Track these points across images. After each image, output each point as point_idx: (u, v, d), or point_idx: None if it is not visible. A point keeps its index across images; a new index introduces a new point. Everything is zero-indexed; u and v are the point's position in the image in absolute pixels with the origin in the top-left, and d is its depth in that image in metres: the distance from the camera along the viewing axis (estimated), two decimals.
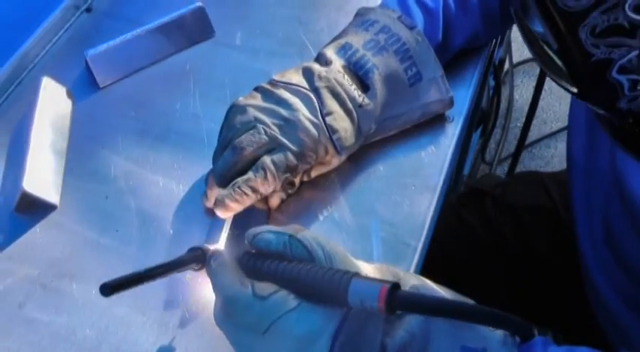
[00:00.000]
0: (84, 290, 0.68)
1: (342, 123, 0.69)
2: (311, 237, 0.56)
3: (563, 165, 0.85)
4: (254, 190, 0.66)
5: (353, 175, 0.74)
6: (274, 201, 0.70)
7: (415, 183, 0.73)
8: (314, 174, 0.71)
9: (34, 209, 0.73)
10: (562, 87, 0.53)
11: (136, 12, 0.90)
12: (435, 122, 0.77)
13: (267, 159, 0.67)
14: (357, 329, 0.54)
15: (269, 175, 0.66)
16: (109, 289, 0.53)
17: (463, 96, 0.79)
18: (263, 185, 0.67)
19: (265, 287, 0.54)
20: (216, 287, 0.56)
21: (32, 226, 0.73)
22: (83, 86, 0.82)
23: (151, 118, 0.80)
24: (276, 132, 0.68)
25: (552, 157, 1.78)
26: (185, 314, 0.66)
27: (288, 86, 0.70)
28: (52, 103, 0.78)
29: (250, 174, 0.66)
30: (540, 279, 0.95)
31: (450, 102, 0.76)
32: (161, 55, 0.84)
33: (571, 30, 0.47)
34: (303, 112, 0.68)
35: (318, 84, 0.70)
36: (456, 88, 0.78)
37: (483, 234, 0.99)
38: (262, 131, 0.67)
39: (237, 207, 0.67)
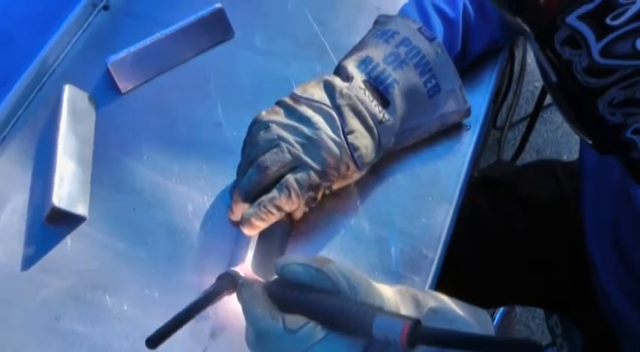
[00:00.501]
0: (117, 302, 0.71)
1: (363, 141, 0.71)
2: (336, 269, 0.59)
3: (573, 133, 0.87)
4: (279, 209, 0.69)
5: (372, 186, 0.76)
6: (297, 214, 0.73)
7: (432, 194, 0.75)
8: (335, 187, 0.73)
9: (63, 220, 0.75)
10: (579, 135, 0.55)
11: (153, 9, 0.90)
12: (451, 130, 0.78)
13: (291, 178, 0.69)
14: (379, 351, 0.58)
15: (293, 194, 0.69)
16: (154, 342, 0.56)
17: (480, 103, 0.80)
18: (287, 203, 0.69)
19: (295, 321, 0.57)
20: (248, 319, 0.59)
21: (63, 238, 0.75)
22: (104, 91, 0.83)
23: (174, 125, 0.81)
24: (299, 151, 0.69)
25: (562, 123, 1.79)
26: (216, 324, 0.69)
27: (310, 103, 0.71)
28: (76, 111, 0.79)
29: (275, 193, 0.69)
30: (548, 270, 0.98)
31: (467, 112, 0.77)
32: (181, 58, 0.84)
33: (589, 101, 0.50)
34: (326, 131, 0.70)
35: (340, 102, 0.71)
36: (472, 94, 0.80)
37: (494, 221, 1.01)
38: (286, 150, 0.69)
39: (262, 225, 0.69)
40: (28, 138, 0.81)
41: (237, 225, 0.73)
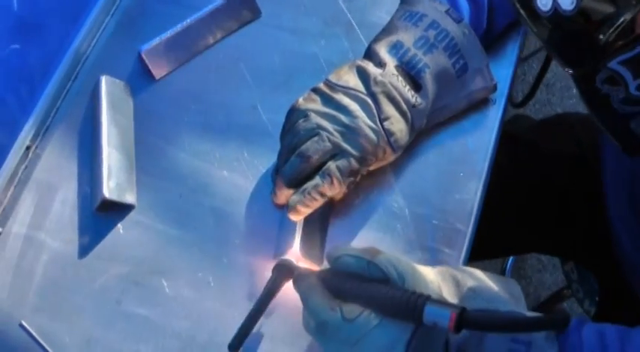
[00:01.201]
0: (174, 285, 0.76)
1: (398, 126, 0.75)
2: (386, 259, 0.64)
3: None
4: (322, 195, 0.73)
5: (405, 165, 0.80)
6: (337, 196, 0.77)
7: (463, 169, 0.80)
8: (372, 168, 0.77)
9: (113, 210, 0.79)
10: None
11: None
12: (478, 105, 0.82)
13: (332, 166, 0.73)
14: (425, 333, 0.64)
15: (335, 181, 0.73)
16: (235, 347, 0.62)
17: (504, 76, 0.83)
18: (330, 189, 0.73)
19: (351, 310, 0.63)
20: (308, 310, 0.64)
21: (114, 225, 0.79)
22: (138, 78, 0.85)
23: (211, 111, 0.84)
24: (338, 139, 0.73)
25: None
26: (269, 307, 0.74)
27: (346, 91, 0.74)
28: (115, 102, 0.82)
29: (318, 180, 0.73)
30: (566, 221, 1.04)
31: (494, 88, 0.80)
32: (211, 42, 0.86)
33: (623, 122, 0.59)
34: (363, 119, 0.73)
35: (375, 89, 0.74)
36: (496, 67, 0.82)
37: (513, 175, 1.06)
38: (326, 139, 0.73)
39: (308, 211, 0.73)
40: (69, 128, 0.84)
41: (280, 207, 0.77)
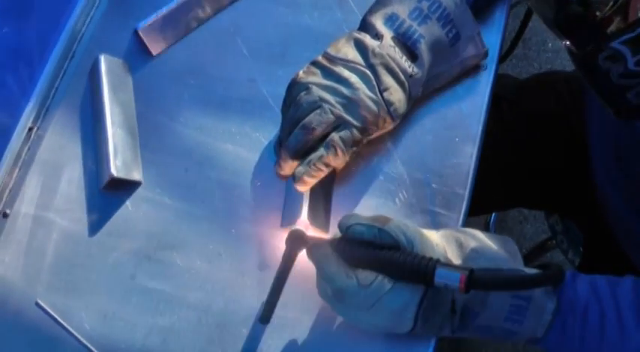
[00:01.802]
0: (185, 258, 0.78)
1: (397, 95, 0.77)
2: (395, 226, 0.68)
3: None
4: (327, 165, 0.76)
5: (403, 132, 0.83)
6: (340, 165, 0.80)
7: (458, 134, 0.83)
8: (372, 137, 0.80)
9: (120, 187, 0.81)
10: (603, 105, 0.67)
11: None
12: (469, 71, 0.85)
13: (336, 137, 0.75)
14: (434, 294, 0.68)
15: (339, 151, 0.75)
16: (265, 318, 0.68)
17: (494, 42, 0.86)
18: (334, 159, 0.76)
19: (366, 276, 0.66)
20: (324, 278, 0.68)
21: (123, 203, 0.81)
22: (135, 55, 0.86)
23: (210, 85, 0.85)
24: (340, 110, 0.75)
25: None
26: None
27: (346, 64, 0.76)
28: (115, 80, 0.83)
29: (322, 151, 0.75)
30: (551, 178, 1.08)
31: (485, 55, 0.83)
32: (207, 16, 0.87)
33: (619, 93, 0.65)
34: (364, 91, 0.75)
35: (374, 61, 0.76)
36: (485, 35, 0.84)
37: (499, 134, 1.09)
38: (328, 111, 0.75)
39: (313, 181, 0.76)
40: (69, 108, 0.85)
41: (284, 178, 0.80)
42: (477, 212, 1.07)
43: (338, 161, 0.76)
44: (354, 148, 0.77)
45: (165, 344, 0.75)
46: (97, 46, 0.86)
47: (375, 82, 0.76)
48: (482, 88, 0.84)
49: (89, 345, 0.75)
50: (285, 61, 0.82)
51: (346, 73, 0.76)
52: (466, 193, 0.80)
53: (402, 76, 0.77)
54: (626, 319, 0.70)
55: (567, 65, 1.89)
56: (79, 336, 0.76)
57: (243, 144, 0.83)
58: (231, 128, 0.83)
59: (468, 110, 0.84)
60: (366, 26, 0.79)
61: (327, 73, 0.77)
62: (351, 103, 0.75)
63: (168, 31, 0.85)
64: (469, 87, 0.85)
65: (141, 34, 0.84)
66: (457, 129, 0.83)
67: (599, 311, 0.70)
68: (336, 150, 0.75)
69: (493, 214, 1.43)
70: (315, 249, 0.69)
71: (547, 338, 0.71)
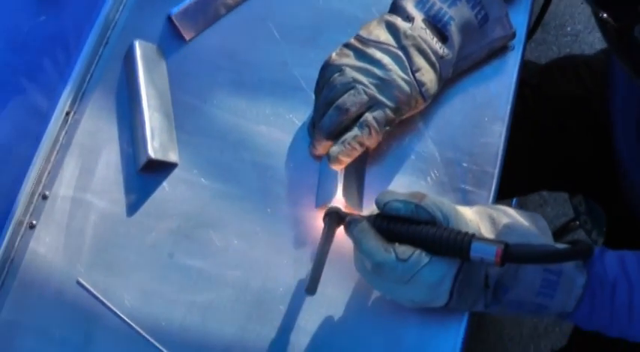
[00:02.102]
0: (222, 237, 0.80)
1: (428, 76, 0.79)
2: (431, 202, 0.69)
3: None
4: (361, 144, 0.77)
5: (433, 112, 0.84)
6: (373, 145, 0.81)
7: (487, 114, 0.84)
8: (404, 117, 0.82)
9: (157, 169, 0.83)
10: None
11: None
12: (498, 51, 0.86)
13: (369, 117, 0.77)
14: (469, 268, 0.69)
15: (373, 131, 0.77)
16: (312, 289, 0.70)
17: (521, 23, 0.87)
18: (369, 139, 0.77)
19: (404, 251, 0.68)
20: (364, 253, 0.69)
21: (160, 184, 0.83)
22: (169, 41, 0.88)
23: (242, 69, 0.87)
24: (374, 91, 0.77)
25: None
26: (314, 249, 0.79)
27: (378, 45, 0.78)
28: (150, 65, 0.85)
29: (357, 131, 0.77)
30: (575, 160, 1.09)
31: (513, 36, 0.84)
32: (237, 1, 0.89)
33: None
34: (396, 72, 0.77)
35: (405, 42, 0.78)
36: (512, 15, 0.86)
37: (522, 119, 1.10)
38: (362, 92, 0.77)
39: (348, 160, 0.78)
40: (104, 93, 0.87)
41: (318, 158, 0.81)
42: (502, 196, 1.09)
43: (372, 140, 0.78)
44: (387, 128, 0.78)
45: (205, 321, 0.77)
46: (131, 33, 0.88)
47: (407, 63, 0.78)
48: (509, 68, 0.86)
49: (130, 322, 0.77)
50: (317, 44, 0.84)
51: (379, 55, 0.78)
52: (496, 171, 0.82)
53: (433, 57, 0.79)
54: None
55: (586, 49, 1.90)
56: (120, 313, 0.78)
57: (277, 125, 0.84)
58: (265, 110, 0.85)
59: (496, 90, 0.85)
60: (396, 9, 0.81)
61: (360, 55, 0.78)
62: (384, 84, 0.77)
63: (200, 16, 0.87)
64: (497, 68, 0.86)
65: (174, 19, 0.86)
66: (486, 109, 0.84)
67: (628, 286, 0.71)
68: (370, 129, 0.77)
69: (515, 198, 1.45)
70: (353, 224, 0.71)
71: (576, 312, 0.72)
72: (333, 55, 0.79)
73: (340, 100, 0.77)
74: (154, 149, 0.80)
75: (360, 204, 0.79)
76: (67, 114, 0.85)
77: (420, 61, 0.78)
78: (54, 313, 0.78)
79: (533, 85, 1.10)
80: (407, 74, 0.78)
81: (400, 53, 0.78)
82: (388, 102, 0.77)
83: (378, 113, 0.77)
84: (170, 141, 0.83)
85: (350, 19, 0.88)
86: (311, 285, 0.70)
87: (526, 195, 1.67)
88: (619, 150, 1.00)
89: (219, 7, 0.88)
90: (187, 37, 0.87)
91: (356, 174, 0.80)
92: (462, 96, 0.85)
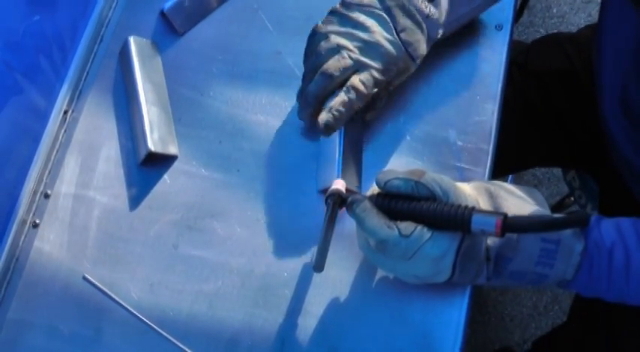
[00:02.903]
0: (225, 226, 0.81)
1: (414, 36, 0.80)
2: (431, 179, 0.71)
3: None
4: (349, 108, 0.78)
5: (426, 93, 0.86)
6: (370, 117, 0.82)
7: (479, 93, 0.86)
8: (396, 83, 0.82)
9: (158, 162, 0.84)
10: None
11: None
12: (487, 31, 0.87)
13: (355, 80, 0.78)
14: (470, 241, 0.71)
15: (360, 93, 0.77)
16: (319, 267, 0.71)
17: (508, 3, 0.89)
18: (357, 102, 0.78)
19: (406, 227, 0.69)
20: (367, 231, 0.71)
21: (160, 176, 0.84)
22: (163, 36, 0.89)
23: (237, 60, 0.88)
24: (358, 54, 0.78)
25: None
26: (317, 233, 0.80)
27: (361, 8, 0.79)
28: (145, 60, 0.86)
29: (343, 96, 0.77)
30: (565, 135, 1.11)
31: None
32: None
33: None
34: (381, 33, 0.78)
35: (389, 3, 0.79)
36: None
37: (511, 99, 1.12)
38: (346, 56, 0.78)
39: (338, 126, 0.78)
40: (101, 90, 0.88)
41: (313, 135, 0.83)
42: (497, 173, 1.10)
43: (360, 103, 0.78)
44: (375, 89, 0.79)
45: (212, 309, 0.78)
46: (125, 29, 0.89)
47: (391, 24, 0.79)
48: (499, 47, 0.88)
49: (138, 314, 0.78)
50: (308, 32, 0.85)
51: (362, 18, 0.79)
52: (490, 148, 0.83)
53: (418, 17, 0.80)
54: None
55: (573, 29, 1.91)
56: (127, 306, 0.79)
57: (273, 114, 0.86)
58: (261, 99, 0.86)
59: (486, 70, 0.87)
60: None
61: (345, 20, 0.80)
62: (368, 46, 0.78)
63: (193, 10, 0.88)
64: (487, 47, 0.88)
65: (167, 14, 0.87)
66: (478, 88, 0.86)
67: (624, 249, 0.73)
68: (357, 92, 0.77)
69: (510, 177, 1.46)
70: (355, 204, 0.72)
71: (576, 279, 0.74)
72: (319, 23, 0.81)
73: (325, 66, 0.78)
74: (153, 142, 0.81)
75: (359, 184, 0.81)
76: (65, 112, 0.86)
77: (404, 20, 0.79)
78: (62, 310, 0.79)
79: (519, 63, 1.11)
80: (391, 34, 0.79)
81: (384, 14, 0.79)
82: (374, 64, 0.78)
83: (364, 75, 0.78)
84: (169, 134, 0.84)
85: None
86: (318, 263, 0.71)
87: (520, 171, 1.69)
88: (606, 122, 1.01)
89: (210, 0, 0.89)
90: (181, 31, 0.89)
91: (353, 157, 0.82)
92: (453, 77, 0.86)
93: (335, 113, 0.77)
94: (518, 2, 1.04)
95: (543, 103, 1.11)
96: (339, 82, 0.79)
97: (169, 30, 0.89)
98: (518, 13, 1.23)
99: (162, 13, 0.88)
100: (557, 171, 1.74)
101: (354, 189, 0.79)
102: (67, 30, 0.86)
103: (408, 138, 0.84)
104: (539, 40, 1.18)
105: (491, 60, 0.87)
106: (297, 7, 0.90)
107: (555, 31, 1.92)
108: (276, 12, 0.90)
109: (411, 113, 0.85)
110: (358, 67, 0.78)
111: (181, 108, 0.86)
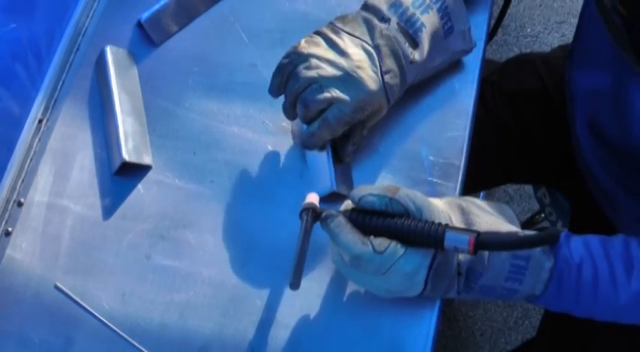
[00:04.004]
0: (198, 236, 0.82)
1: (395, 80, 0.80)
2: (405, 195, 0.72)
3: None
4: (319, 139, 0.79)
5: (400, 109, 0.87)
6: (347, 153, 0.83)
7: (452, 108, 0.87)
8: (370, 123, 0.82)
9: (132, 171, 0.84)
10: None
11: None
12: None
13: (329, 115, 0.77)
14: (442, 257, 0.72)
15: (331, 130, 0.78)
16: (296, 284, 0.72)
17: (481, 21, 0.91)
18: (329, 135, 0.79)
19: (380, 243, 0.70)
20: (340, 246, 0.72)
21: (134, 186, 0.84)
22: (139, 46, 0.90)
23: (213, 72, 0.89)
24: (336, 88, 0.77)
25: None
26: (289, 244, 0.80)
27: (352, 38, 0.79)
28: (121, 69, 0.86)
29: (315, 128, 0.78)
30: (537, 154, 1.13)
31: (471, 50, 0.87)
32: (206, 5, 0.91)
33: None
34: (366, 70, 0.78)
35: (380, 41, 0.79)
36: (472, 14, 0.89)
37: (483, 116, 1.14)
38: (324, 89, 0.77)
39: (318, 145, 0.80)
40: (76, 99, 0.88)
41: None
42: (469, 190, 1.12)
43: (331, 136, 0.79)
44: (346, 127, 0.79)
45: (183, 319, 0.78)
46: (101, 39, 0.89)
47: (378, 63, 0.78)
48: (472, 63, 0.89)
49: (109, 324, 0.78)
50: (284, 46, 0.85)
51: (351, 48, 0.78)
52: (462, 164, 0.85)
53: (403, 61, 0.80)
54: (618, 273, 0.74)
55: (546, 49, 1.95)
56: (99, 316, 0.78)
57: (248, 126, 0.86)
58: (237, 111, 0.87)
59: (459, 86, 0.88)
60: (370, 9, 0.81)
61: (331, 44, 0.78)
62: (350, 79, 0.77)
63: (170, 21, 0.89)
64: (460, 65, 0.89)
65: (144, 25, 0.88)
66: (450, 104, 0.87)
67: (592, 265, 0.75)
68: (328, 128, 0.78)
69: (481, 193, 1.48)
70: (329, 219, 0.73)
71: (545, 295, 0.75)
72: (303, 41, 0.79)
73: (302, 95, 0.78)
74: (128, 152, 0.82)
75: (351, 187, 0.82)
76: (40, 121, 0.86)
77: (390, 62, 0.79)
78: (33, 318, 0.79)
79: (492, 82, 1.14)
80: (376, 73, 0.78)
81: (373, 51, 0.78)
82: (350, 101, 0.77)
83: (337, 113, 0.77)
84: (143, 144, 0.84)
85: (315, 21, 0.89)
86: (294, 280, 0.71)
87: (491, 188, 1.72)
88: (577, 142, 1.04)
89: (188, 11, 0.90)
90: (157, 41, 0.89)
91: (342, 164, 0.83)
92: (426, 93, 0.88)
93: (311, 139, 0.79)
94: (492, 21, 1.05)
95: (515, 122, 1.13)
96: (316, 112, 0.78)
97: (146, 40, 0.90)
98: (492, 32, 1.24)
99: (139, 24, 0.89)
100: (529, 188, 1.76)
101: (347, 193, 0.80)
102: (44, 38, 0.86)
103: (381, 152, 0.85)
104: (512, 59, 1.20)
105: (464, 77, 0.89)
106: (273, 20, 0.91)
107: (529, 50, 1.96)
108: (253, 25, 0.91)
109: (384, 128, 0.86)
110: (334, 101, 0.77)
111: (156, 118, 0.87)
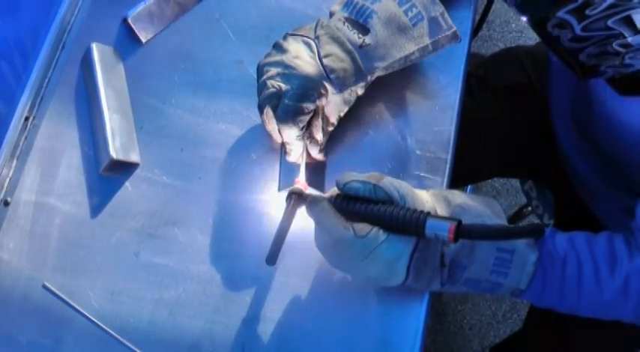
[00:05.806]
0: (187, 233, 0.82)
1: (340, 64, 0.80)
2: (389, 183, 0.72)
3: None
4: (276, 133, 0.81)
5: (387, 104, 0.87)
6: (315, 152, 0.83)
7: (438, 103, 0.87)
8: (332, 117, 0.83)
9: (119, 169, 0.84)
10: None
11: None
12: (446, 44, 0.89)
13: (278, 111, 0.79)
14: (425, 246, 0.72)
15: (281, 120, 0.79)
16: (272, 260, 0.72)
17: (465, 17, 0.91)
18: (284, 131, 0.80)
19: (362, 228, 0.71)
20: (324, 230, 0.72)
21: (122, 184, 0.84)
22: (125, 43, 0.90)
23: (199, 69, 0.89)
24: (279, 81, 0.79)
25: None
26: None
27: (295, 37, 0.81)
28: (107, 67, 0.86)
29: (274, 124, 0.80)
30: (522, 146, 1.14)
31: (454, 35, 0.85)
32: (192, 3, 0.90)
33: (574, 55, 0.74)
34: (303, 58, 0.79)
35: (320, 32, 0.81)
36: (457, 10, 0.90)
37: (471, 111, 1.14)
38: (270, 86, 0.79)
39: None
40: (62, 97, 0.88)
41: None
42: (456, 184, 1.13)
43: (289, 131, 0.80)
44: (300, 117, 0.79)
45: (173, 317, 0.78)
46: (87, 36, 0.89)
47: (316, 49, 0.80)
48: (458, 59, 0.90)
49: (98, 322, 0.78)
50: (270, 42, 0.85)
51: (293, 45, 0.81)
52: (449, 157, 0.85)
53: (348, 45, 0.80)
54: (601, 269, 0.75)
55: (531, 44, 1.96)
56: (87, 314, 0.78)
57: (235, 122, 0.86)
58: (223, 108, 0.87)
59: (445, 81, 0.88)
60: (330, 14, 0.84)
61: (279, 49, 0.81)
62: (289, 70, 0.79)
63: (156, 18, 0.89)
64: (445, 59, 0.89)
65: (130, 22, 0.87)
66: (436, 99, 0.88)
67: (577, 262, 0.75)
68: (281, 122, 0.79)
69: (469, 188, 1.49)
70: (314, 204, 0.73)
71: (529, 289, 0.76)
72: (263, 57, 0.82)
73: (259, 101, 0.80)
74: (115, 150, 0.81)
75: (323, 186, 0.82)
76: (27, 119, 0.86)
77: (330, 47, 0.80)
78: (21, 318, 0.79)
79: (478, 76, 1.14)
80: (313, 58, 0.80)
81: (312, 42, 0.81)
82: (292, 90, 0.78)
83: (285, 105, 0.78)
84: (131, 142, 0.84)
85: (301, 17, 0.90)
86: (270, 256, 0.72)
87: (479, 182, 1.73)
88: (559, 136, 1.04)
89: (173, 8, 0.90)
90: (143, 38, 0.89)
91: (314, 161, 0.83)
92: (413, 88, 0.88)
93: (277, 135, 0.81)
94: (477, 16, 1.06)
95: (502, 116, 1.13)
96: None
97: (132, 37, 0.89)
98: (477, 27, 1.25)
99: (125, 21, 0.88)
100: (516, 183, 1.78)
101: (318, 189, 0.80)
102: (29, 36, 0.86)
103: (368, 146, 0.85)
104: (498, 54, 1.20)
105: (450, 72, 0.89)
106: (258, 17, 0.91)
107: (514, 45, 1.96)
108: (239, 22, 0.91)
109: (372, 123, 0.86)
110: (280, 94, 0.79)
111: (143, 115, 0.87)
